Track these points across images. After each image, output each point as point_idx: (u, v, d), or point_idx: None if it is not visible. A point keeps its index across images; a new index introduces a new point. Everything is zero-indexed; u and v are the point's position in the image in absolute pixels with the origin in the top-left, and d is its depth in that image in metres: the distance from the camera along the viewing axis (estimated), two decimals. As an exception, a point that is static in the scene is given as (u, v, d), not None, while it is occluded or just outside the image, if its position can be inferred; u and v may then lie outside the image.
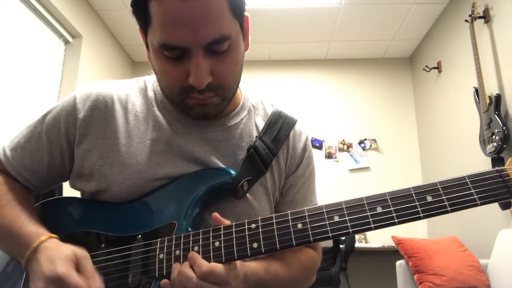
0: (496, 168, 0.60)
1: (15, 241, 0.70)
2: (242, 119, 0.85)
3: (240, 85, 0.82)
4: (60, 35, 3.23)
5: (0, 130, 2.51)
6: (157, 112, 0.81)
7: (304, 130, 0.91)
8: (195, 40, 0.64)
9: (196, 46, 0.65)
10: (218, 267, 0.62)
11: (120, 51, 4.09)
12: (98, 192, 0.78)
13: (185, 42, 0.65)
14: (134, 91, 0.84)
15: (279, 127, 0.85)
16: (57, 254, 0.63)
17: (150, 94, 0.84)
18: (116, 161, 0.76)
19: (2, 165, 0.80)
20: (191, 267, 0.63)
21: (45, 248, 0.66)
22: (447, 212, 0.59)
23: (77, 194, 0.87)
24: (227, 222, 0.69)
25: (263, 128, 0.85)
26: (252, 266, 0.70)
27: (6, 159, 0.80)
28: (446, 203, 0.60)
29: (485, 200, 0.59)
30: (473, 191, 0.60)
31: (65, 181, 0.85)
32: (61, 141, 0.79)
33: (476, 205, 0.59)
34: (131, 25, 3.70)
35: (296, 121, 0.89)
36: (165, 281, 0.63)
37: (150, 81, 0.87)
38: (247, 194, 0.79)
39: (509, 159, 0.61)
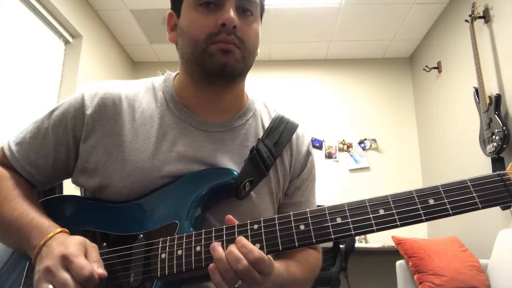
0: (498, 172, 0.61)
1: (25, 233, 0.70)
2: (248, 120, 0.87)
3: (245, 89, 0.87)
4: (60, 35, 3.22)
5: (1, 129, 2.51)
6: (165, 111, 0.82)
7: (307, 134, 0.93)
8: None
9: None
10: (265, 256, 0.63)
11: (120, 51, 4.09)
12: (100, 188, 0.78)
13: None
14: (141, 91, 0.85)
15: (281, 132, 0.86)
16: (69, 239, 0.67)
17: (159, 93, 0.85)
18: (121, 157, 0.77)
19: (7, 160, 0.81)
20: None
21: (57, 237, 0.68)
22: (449, 215, 0.60)
23: (77, 192, 0.87)
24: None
25: (265, 132, 0.86)
26: (277, 267, 0.70)
27: (11, 153, 0.80)
28: (448, 206, 0.61)
29: (487, 204, 0.60)
30: (474, 194, 0.60)
31: (69, 177, 0.86)
32: (67, 137, 0.79)
33: (478, 208, 0.60)
34: (131, 25, 3.71)
35: (297, 125, 0.90)
36: (212, 265, 0.63)
37: (158, 81, 0.88)
38: (251, 193, 0.80)
39: (511, 163, 0.61)
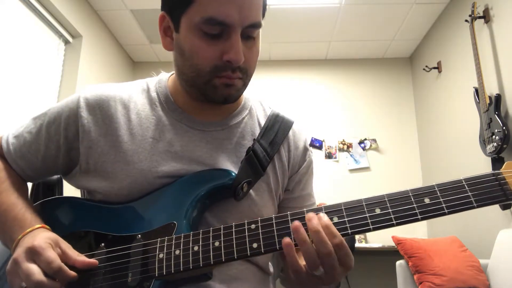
0: (492, 172, 0.61)
1: (9, 227, 0.73)
2: (244, 118, 0.87)
3: None
4: (60, 35, 3.23)
5: (0, 130, 2.51)
6: (160, 112, 0.82)
7: (303, 129, 0.93)
8: (240, 19, 0.70)
9: (238, 25, 0.70)
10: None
11: (120, 51, 4.09)
12: (100, 188, 0.79)
13: (232, 19, 0.69)
14: (136, 92, 0.85)
15: (276, 130, 0.87)
16: (40, 234, 0.69)
17: (153, 94, 0.85)
18: (118, 157, 0.77)
19: (3, 152, 0.84)
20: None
21: (32, 232, 0.70)
22: (444, 214, 0.60)
23: (77, 193, 0.87)
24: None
25: (260, 131, 0.86)
26: None
27: (7, 145, 0.83)
28: (444, 205, 0.61)
29: (482, 203, 0.60)
30: (469, 193, 0.60)
31: (58, 174, 0.89)
32: (58, 136, 0.80)
33: (473, 207, 0.60)
34: (131, 25, 3.71)
35: (293, 122, 0.91)
36: (288, 241, 0.61)
37: (152, 82, 0.88)
38: (250, 190, 0.80)
39: (506, 163, 0.62)
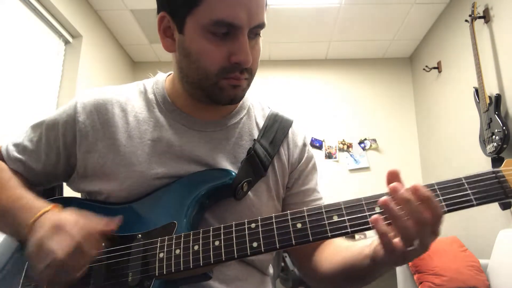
0: (492, 169, 0.61)
1: (20, 215, 0.72)
2: (242, 118, 0.87)
3: None
4: (60, 35, 3.23)
5: (0, 130, 2.51)
6: (158, 114, 0.82)
7: (302, 128, 0.94)
8: (248, 20, 0.70)
9: (246, 26, 0.70)
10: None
11: (120, 51, 4.09)
12: (100, 192, 0.79)
13: (241, 21, 0.69)
14: (134, 94, 0.85)
15: (276, 130, 0.87)
16: (62, 213, 0.70)
17: (150, 96, 0.85)
18: (117, 160, 0.77)
19: (4, 160, 0.84)
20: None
21: (49, 213, 0.70)
22: (444, 212, 0.60)
23: (77, 194, 0.88)
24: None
25: (260, 131, 0.86)
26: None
27: (7, 153, 0.84)
28: (443, 203, 0.61)
29: (481, 201, 0.60)
30: (469, 191, 0.60)
31: (59, 181, 0.89)
32: (58, 143, 0.81)
33: (473, 205, 0.60)
34: (131, 25, 3.71)
35: (292, 121, 0.91)
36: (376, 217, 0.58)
37: (150, 83, 0.88)
38: (249, 192, 0.80)
39: (505, 160, 0.61)
